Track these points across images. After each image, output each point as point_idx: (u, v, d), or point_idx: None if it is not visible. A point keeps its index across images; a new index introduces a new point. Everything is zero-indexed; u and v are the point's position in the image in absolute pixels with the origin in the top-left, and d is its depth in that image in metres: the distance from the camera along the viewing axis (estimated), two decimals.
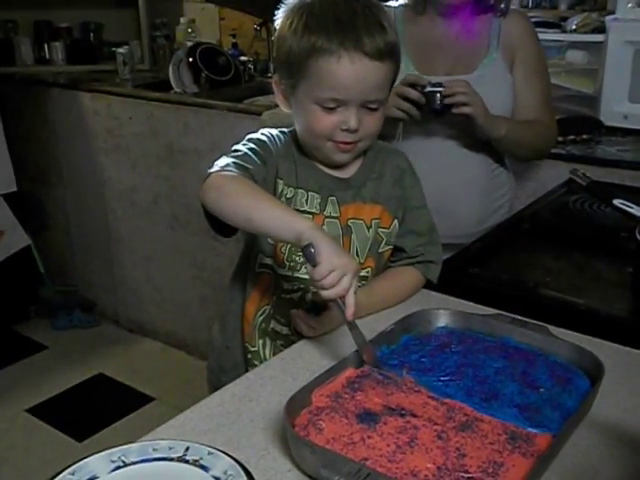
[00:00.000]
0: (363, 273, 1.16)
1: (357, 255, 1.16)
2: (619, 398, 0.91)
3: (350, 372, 0.90)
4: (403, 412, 0.82)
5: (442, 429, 0.79)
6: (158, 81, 2.92)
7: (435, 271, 1.21)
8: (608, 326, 1.08)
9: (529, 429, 0.80)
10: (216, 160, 1.09)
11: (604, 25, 2.04)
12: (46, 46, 3.27)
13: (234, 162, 1.08)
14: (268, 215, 0.99)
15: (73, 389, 2.74)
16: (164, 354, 3.01)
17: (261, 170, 1.10)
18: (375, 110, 1.09)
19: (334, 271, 0.90)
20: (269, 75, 2.90)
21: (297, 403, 0.82)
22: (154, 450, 0.79)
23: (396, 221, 1.20)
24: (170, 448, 0.79)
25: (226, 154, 1.11)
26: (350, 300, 0.92)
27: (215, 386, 1.20)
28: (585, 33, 2.11)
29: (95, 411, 2.64)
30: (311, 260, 0.91)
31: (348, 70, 1.03)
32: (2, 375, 2.81)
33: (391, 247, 1.21)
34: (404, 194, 1.21)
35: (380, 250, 1.20)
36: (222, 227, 1.07)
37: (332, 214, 1.16)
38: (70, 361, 2.91)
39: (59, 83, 3.00)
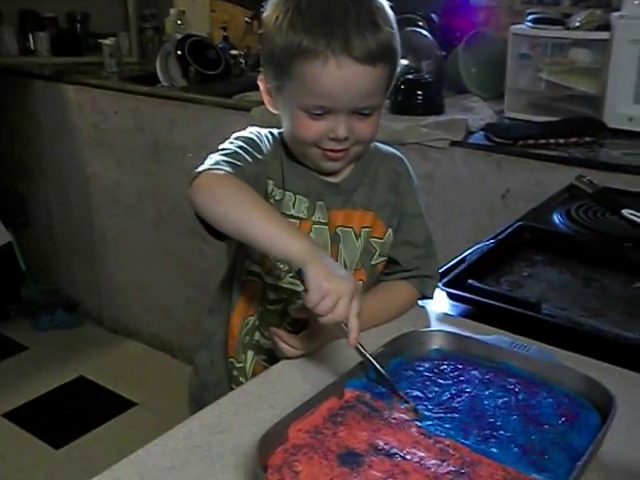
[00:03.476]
0: None
1: (345, 267, 1.07)
2: (632, 434, 0.82)
3: (333, 402, 0.80)
4: (391, 452, 0.73)
5: (434, 474, 0.70)
6: (145, 74, 2.81)
7: (431, 286, 1.12)
8: (617, 349, 0.99)
9: (533, 475, 0.70)
10: (204, 158, 1.00)
11: (609, 22, 1.95)
12: (31, 36, 3.15)
13: (224, 160, 0.97)
14: (261, 231, 0.89)
15: (52, 393, 2.64)
16: (148, 356, 2.91)
17: (253, 167, 1.00)
18: (368, 115, 0.99)
19: (326, 297, 0.81)
20: (260, 70, 2.79)
21: (271, 440, 0.72)
22: None
23: (390, 230, 1.10)
24: None
25: (213, 152, 1.01)
26: (352, 324, 0.83)
27: (198, 403, 1.11)
28: (589, 30, 2.01)
29: (74, 416, 2.54)
30: (305, 285, 0.83)
31: (335, 76, 0.93)
32: None
33: (385, 259, 1.12)
34: (399, 201, 1.11)
35: (373, 262, 1.10)
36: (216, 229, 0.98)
37: (321, 220, 1.06)
38: (50, 363, 2.80)
39: (43, 75, 2.89)
